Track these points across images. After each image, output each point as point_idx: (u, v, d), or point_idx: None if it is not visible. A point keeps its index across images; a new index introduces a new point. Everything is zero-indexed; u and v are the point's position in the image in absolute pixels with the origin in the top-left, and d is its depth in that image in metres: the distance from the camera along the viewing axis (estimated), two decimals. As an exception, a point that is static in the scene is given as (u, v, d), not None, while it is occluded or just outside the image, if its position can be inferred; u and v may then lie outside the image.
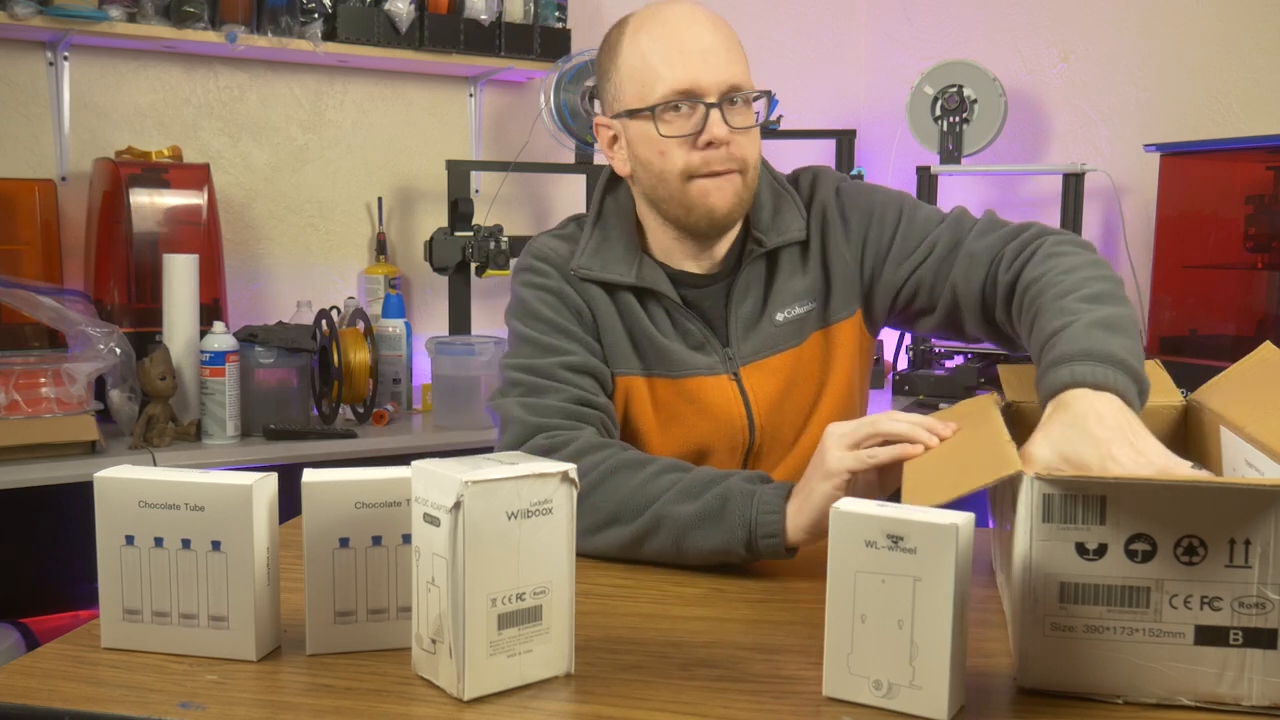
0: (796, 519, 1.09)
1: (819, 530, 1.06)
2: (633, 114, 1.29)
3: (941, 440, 1.02)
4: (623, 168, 1.35)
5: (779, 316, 1.35)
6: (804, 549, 1.12)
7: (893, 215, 1.36)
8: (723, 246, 1.36)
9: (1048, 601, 0.80)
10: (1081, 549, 0.79)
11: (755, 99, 1.29)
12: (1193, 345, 2.51)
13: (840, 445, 1.06)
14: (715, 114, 1.25)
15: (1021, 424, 1.14)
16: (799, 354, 1.36)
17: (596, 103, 1.41)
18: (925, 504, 0.83)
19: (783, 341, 1.35)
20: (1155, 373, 1.18)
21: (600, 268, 1.34)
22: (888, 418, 1.05)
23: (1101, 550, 0.79)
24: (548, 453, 1.20)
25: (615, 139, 1.34)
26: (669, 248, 1.36)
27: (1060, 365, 1.01)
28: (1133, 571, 0.79)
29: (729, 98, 1.26)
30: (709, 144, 1.25)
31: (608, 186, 1.41)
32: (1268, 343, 1.08)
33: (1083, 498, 0.79)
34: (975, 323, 1.31)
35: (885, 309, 1.38)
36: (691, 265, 1.36)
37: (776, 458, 1.38)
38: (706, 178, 1.27)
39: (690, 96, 1.25)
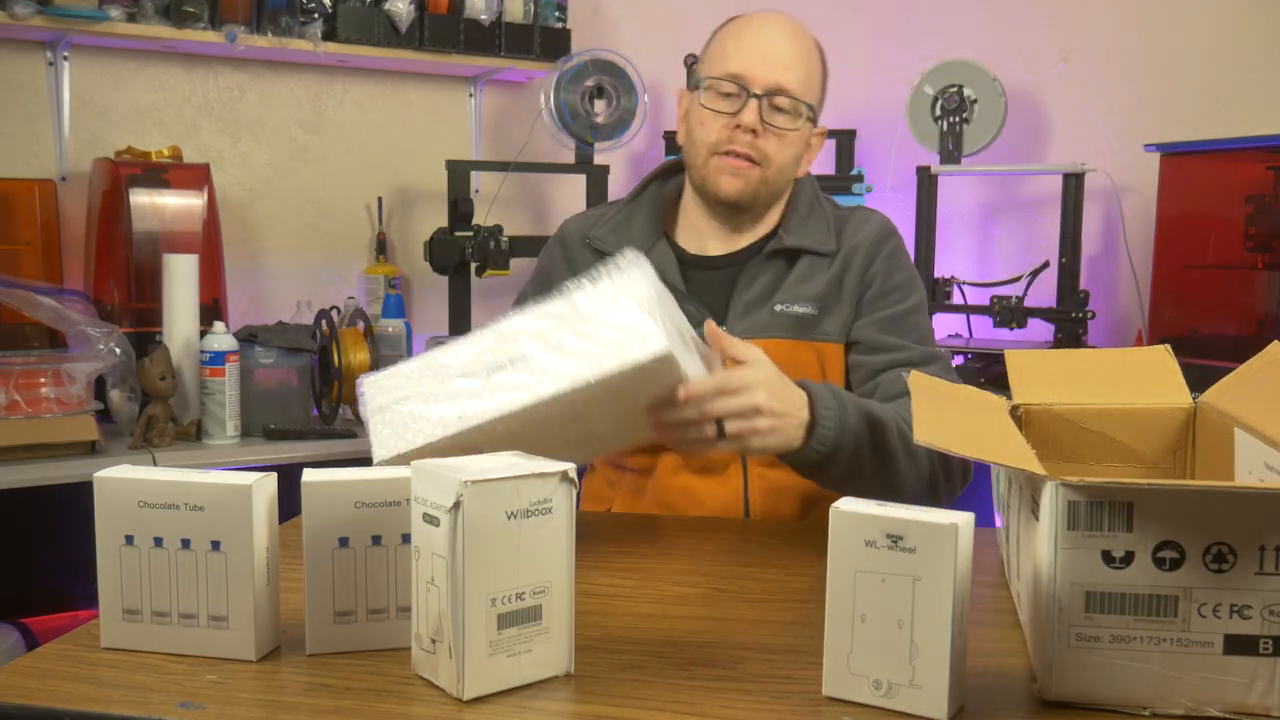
0: None
1: None
2: (695, 84, 1.41)
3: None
4: (681, 138, 1.45)
5: (778, 307, 1.40)
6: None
7: (897, 300, 1.42)
8: (750, 233, 1.45)
9: (1073, 611, 0.79)
10: (1108, 557, 0.78)
11: (798, 111, 1.37)
12: (1193, 345, 2.51)
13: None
14: (754, 103, 1.35)
15: (1028, 428, 1.14)
16: (793, 349, 1.38)
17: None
18: (936, 442, 0.82)
19: (777, 330, 1.39)
20: (1166, 366, 1.17)
21: (613, 244, 1.43)
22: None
23: (1128, 558, 0.77)
24: None
25: (686, 112, 1.45)
26: (699, 225, 1.45)
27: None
28: (1160, 580, 0.77)
29: (772, 96, 1.35)
30: (738, 126, 1.35)
31: (659, 173, 1.50)
32: (1276, 342, 1.07)
33: (1109, 504, 0.77)
34: None
35: None
36: (715, 246, 1.45)
37: None
38: (725, 156, 1.36)
39: (738, 81, 1.35)
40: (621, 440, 1.22)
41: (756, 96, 1.35)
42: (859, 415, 1.21)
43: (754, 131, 1.35)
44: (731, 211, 1.42)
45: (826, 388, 1.22)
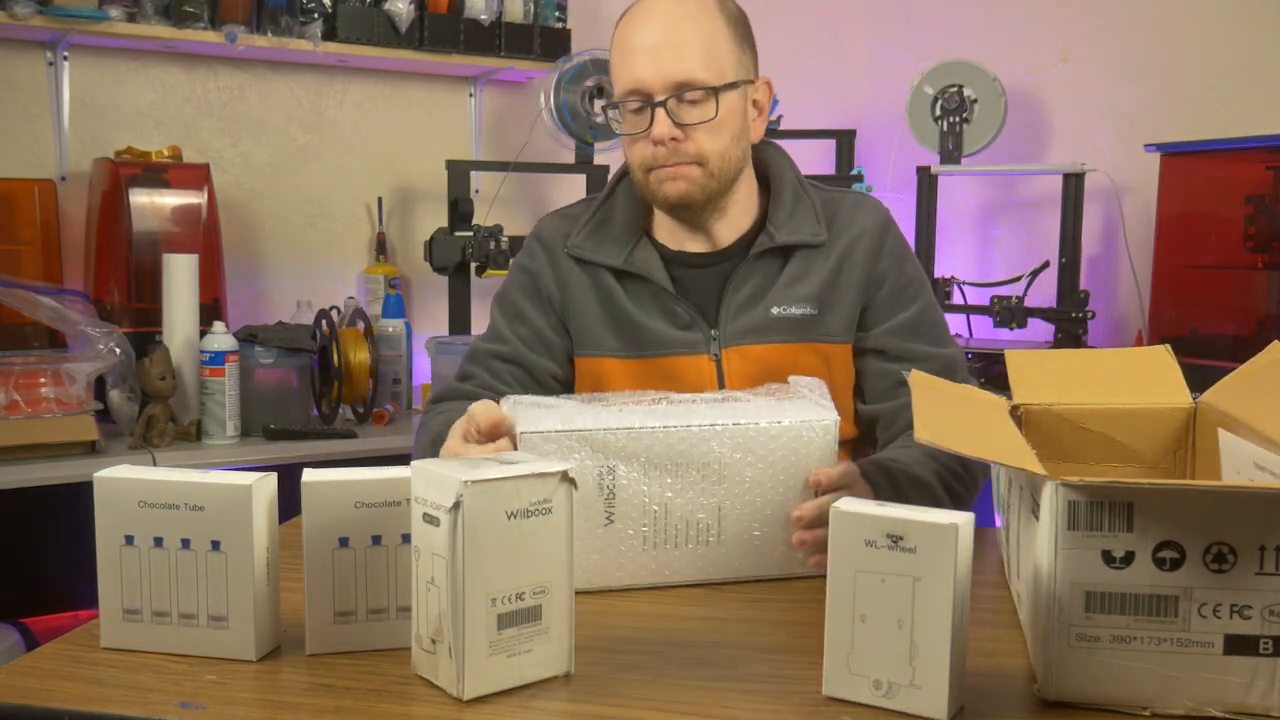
0: None
1: None
2: (612, 106, 1.34)
3: None
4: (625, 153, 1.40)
5: (774, 310, 1.35)
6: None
7: (911, 299, 1.38)
8: (725, 230, 1.38)
9: (1073, 611, 0.79)
10: (1108, 557, 0.78)
11: (705, 97, 1.27)
12: (1193, 345, 2.51)
13: None
14: (660, 113, 1.27)
15: (1028, 428, 1.14)
16: (794, 352, 1.35)
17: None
18: (937, 441, 0.82)
19: (776, 334, 1.35)
20: (1166, 366, 1.17)
21: (593, 249, 1.38)
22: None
23: (1129, 558, 0.77)
24: (423, 425, 1.37)
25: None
26: (669, 227, 1.39)
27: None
28: (1161, 580, 0.77)
29: (679, 94, 1.27)
30: (657, 141, 1.28)
31: (624, 169, 1.42)
32: (1276, 342, 1.07)
33: (1109, 504, 0.77)
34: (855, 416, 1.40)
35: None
36: (691, 245, 1.39)
37: None
38: (660, 169, 1.31)
39: (638, 94, 1.28)
40: (746, 531, 1.12)
41: (660, 104, 1.26)
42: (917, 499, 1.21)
43: (675, 138, 1.27)
44: (692, 212, 1.35)
45: (887, 484, 1.20)
